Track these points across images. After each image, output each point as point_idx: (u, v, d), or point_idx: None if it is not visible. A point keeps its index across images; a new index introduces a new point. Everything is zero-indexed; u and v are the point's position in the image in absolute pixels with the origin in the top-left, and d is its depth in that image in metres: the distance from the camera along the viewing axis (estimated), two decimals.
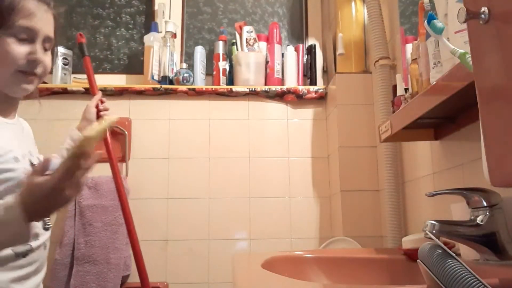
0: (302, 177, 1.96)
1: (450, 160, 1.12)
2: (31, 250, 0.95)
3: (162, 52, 2.02)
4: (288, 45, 2.13)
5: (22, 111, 1.08)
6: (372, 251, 1.16)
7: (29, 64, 0.96)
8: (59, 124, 1.90)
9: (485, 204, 0.75)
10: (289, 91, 1.99)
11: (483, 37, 0.48)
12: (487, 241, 0.73)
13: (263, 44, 2.08)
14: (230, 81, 2.05)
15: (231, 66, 2.07)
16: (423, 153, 1.32)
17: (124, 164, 1.91)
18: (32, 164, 0.98)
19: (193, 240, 1.88)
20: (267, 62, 2.06)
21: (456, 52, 0.69)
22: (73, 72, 2.04)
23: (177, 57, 2.09)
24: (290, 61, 2.05)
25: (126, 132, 1.92)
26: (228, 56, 2.09)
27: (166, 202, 1.90)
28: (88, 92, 1.96)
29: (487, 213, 0.74)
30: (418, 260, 0.54)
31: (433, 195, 0.82)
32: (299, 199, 1.94)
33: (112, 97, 1.97)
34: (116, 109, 1.97)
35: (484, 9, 0.45)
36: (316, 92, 1.99)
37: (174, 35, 2.07)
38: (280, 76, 2.05)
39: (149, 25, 2.10)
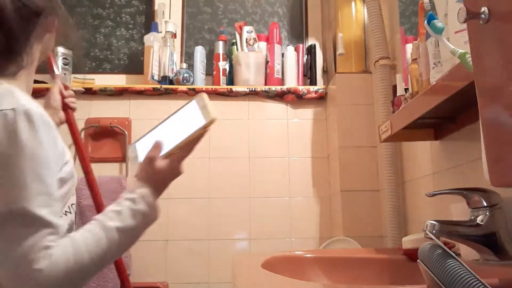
0: (302, 177, 1.96)
1: (450, 160, 1.12)
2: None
3: (162, 52, 2.02)
4: (288, 45, 2.13)
5: None
6: (372, 251, 1.16)
7: None
8: None
9: (485, 204, 0.75)
10: (289, 91, 1.99)
11: (483, 37, 0.48)
12: (487, 241, 0.73)
13: (263, 44, 2.08)
14: (230, 81, 2.05)
15: (231, 66, 2.07)
16: (423, 153, 1.32)
17: (124, 164, 1.91)
18: None
19: (193, 240, 1.88)
20: (267, 62, 2.06)
21: (456, 52, 0.69)
22: (73, 72, 2.04)
23: (177, 57, 2.09)
24: (290, 61, 2.05)
25: (126, 132, 1.92)
26: (228, 56, 2.09)
27: (166, 202, 1.90)
28: (88, 92, 1.97)
29: (487, 213, 0.74)
30: (418, 260, 0.54)
31: (433, 195, 0.82)
32: (299, 199, 1.94)
33: (112, 97, 1.97)
34: (116, 109, 1.97)
35: (484, 9, 0.45)
36: (316, 92, 1.99)
37: (174, 35, 2.07)
38: (280, 76, 2.05)
39: (149, 25, 2.10)
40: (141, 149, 0.93)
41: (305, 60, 2.10)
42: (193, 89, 1.97)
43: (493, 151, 0.47)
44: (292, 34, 2.22)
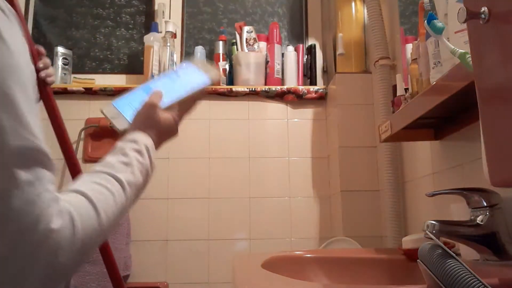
0: (302, 177, 1.96)
1: (450, 160, 1.12)
2: None
3: (162, 52, 2.02)
4: (288, 45, 2.13)
5: None
6: (372, 251, 1.16)
7: None
8: None
9: (485, 204, 0.75)
10: (289, 91, 1.99)
11: (483, 37, 0.48)
12: (487, 241, 0.73)
13: (263, 44, 2.08)
14: (230, 81, 2.05)
15: (231, 66, 2.07)
16: (423, 153, 1.32)
17: None
18: None
19: (193, 240, 1.88)
20: (267, 62, 2.06)
21: (456, 52, 0.69)
22: (73, 72, 2.04)
23: (177, 57, 2.09)
24: (290, 61, 2.05)
25: None
26: (228, 56, 2.09)
27: (166, 202, 1.90)
28: (88, 92, 1.97)
29: (487, 213, 0.74)
30: (418, 260, 0.54)
31: (433, 195, 0.82)
32: (299, 199, 1.94)
33: (112, 97, 1.97)
34: None
35: (484, 9, 0.45)
36: (316, 92, 1.99)
37: (174, 35, 2.07)
38: (280, 76, 2.05)
39: (149, 25, 2.09)
40: (125, 106, 0.84)
41: (305, 60, 2.10)
42: None
43: (493, 151, 0.47)
44: (292, 34, 2.22)
